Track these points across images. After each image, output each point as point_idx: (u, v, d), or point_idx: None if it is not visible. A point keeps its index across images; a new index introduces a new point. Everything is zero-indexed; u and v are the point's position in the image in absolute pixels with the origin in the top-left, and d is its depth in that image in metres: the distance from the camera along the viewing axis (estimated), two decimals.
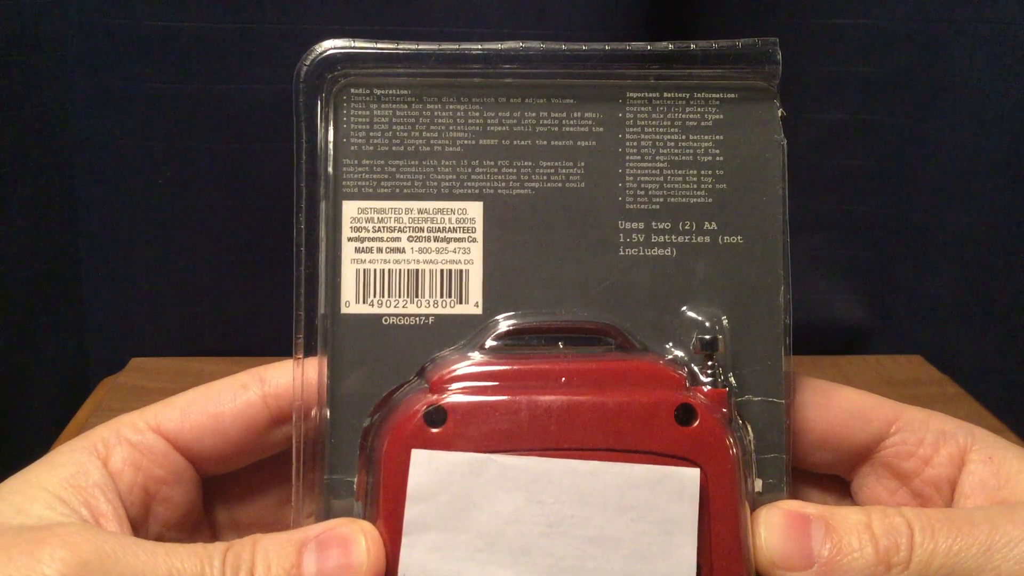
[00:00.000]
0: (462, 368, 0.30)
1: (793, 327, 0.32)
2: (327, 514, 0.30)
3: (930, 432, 0.32)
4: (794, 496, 0.31)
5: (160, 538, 0.30)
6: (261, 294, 0.63)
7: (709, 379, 0.31)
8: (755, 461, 0.31)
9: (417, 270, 0.31)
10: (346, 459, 0.31)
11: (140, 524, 0.31)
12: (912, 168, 0.64)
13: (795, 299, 0.32)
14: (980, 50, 0.59)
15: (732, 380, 0.31)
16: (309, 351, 0.31)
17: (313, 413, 0.31)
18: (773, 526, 0.29)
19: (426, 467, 0.29)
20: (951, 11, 0.60)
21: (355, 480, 0.30)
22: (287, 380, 0.32)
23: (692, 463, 0.29)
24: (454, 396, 0.30)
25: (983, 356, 0.62)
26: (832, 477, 0.34)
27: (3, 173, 0.61)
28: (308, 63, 0.31)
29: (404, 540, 0.29)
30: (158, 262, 0.62)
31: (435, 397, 0.30)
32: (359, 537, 0.28)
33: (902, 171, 0.65)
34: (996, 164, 0.59)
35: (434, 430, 0.29)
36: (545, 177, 0.32)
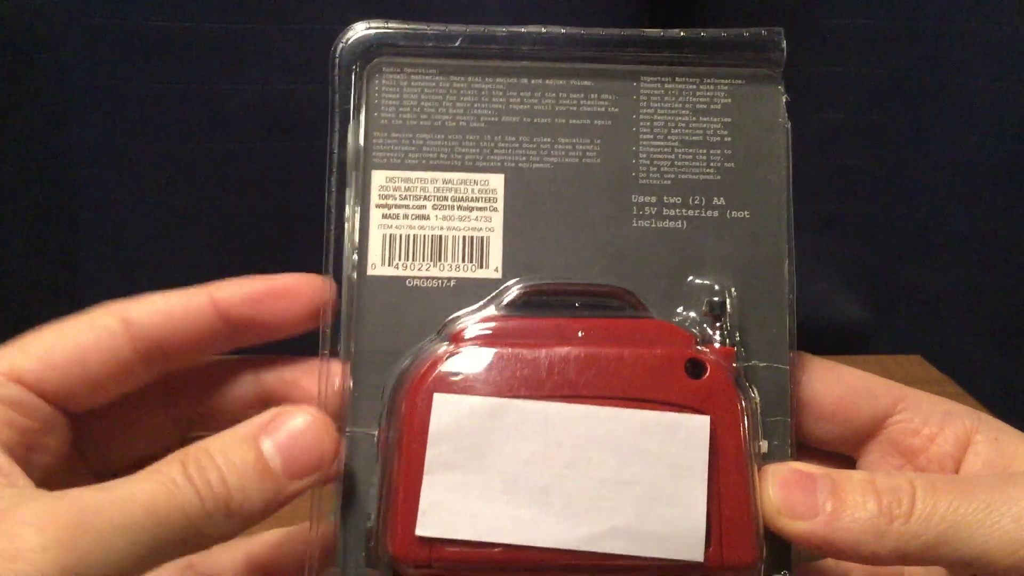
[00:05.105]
0: (482, 322, 0.32)
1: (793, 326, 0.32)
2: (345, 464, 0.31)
3: (936, 412, 0.32)
4: None
5: (44, 486, 0.28)
6: None
7: (718, 338, 0.32)
8: (761, 423, 0.32)
9: (440, 236, 0.33)
10: (368, 413, 0.31)
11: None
12: (912, 168, 0.65)
13: (795, 298, 0.32)
14: (980, 50, 0.59)
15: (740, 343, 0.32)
16: (336, 310, 0.32)
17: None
18: (780, 479, 0.30)
19: (447, 411, 0.30)
20: (951, 11, 0.60)
21: (376, 433, 0.31)
22: (150, 313, 0.31)
23: (702, 413, 0.30)
24: (474, 346, 0.31)
25: (983, 356, 0.63)
26: (839, 457, 0.34)
27: (3, 173, 0.61)
28: (344, 41, 0.33)
29: (425, 479, 0.29)
30: (158, 262, 0.62)
31: (456, 347, 0.31)
32: (304, 409, 0.29)
33: (902, 171, 0.65)
34: (996, 164, 0.60)
35: (455, 378, 0.30)
36: (563, 153, 0.33)
